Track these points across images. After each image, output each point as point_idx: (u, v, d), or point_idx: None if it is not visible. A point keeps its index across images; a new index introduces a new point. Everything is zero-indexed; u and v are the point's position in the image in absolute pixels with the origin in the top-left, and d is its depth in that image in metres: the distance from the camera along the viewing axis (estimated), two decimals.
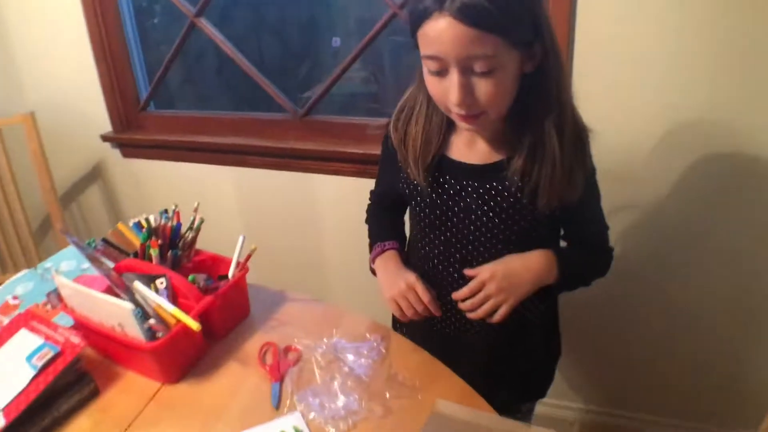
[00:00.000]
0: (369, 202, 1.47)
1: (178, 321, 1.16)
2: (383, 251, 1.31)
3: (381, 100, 2.50)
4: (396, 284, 1.22)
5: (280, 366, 1.19)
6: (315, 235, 2.20)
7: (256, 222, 2.30)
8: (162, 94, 2.43)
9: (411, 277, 1.21)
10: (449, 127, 1.19)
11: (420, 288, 1.20)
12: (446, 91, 1.03)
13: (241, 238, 1.33)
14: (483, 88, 1.01)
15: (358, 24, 2.48)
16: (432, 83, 1.05)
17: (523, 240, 1.18)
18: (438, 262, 1.26)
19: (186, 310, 1.18)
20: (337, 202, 2.09)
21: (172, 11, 2.23)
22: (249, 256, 1.33)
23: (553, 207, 1.12)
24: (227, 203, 2.30)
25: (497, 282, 1.15)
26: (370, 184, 1.89)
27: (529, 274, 1.17)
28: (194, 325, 1.14)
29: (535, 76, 1.05)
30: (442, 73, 1.01)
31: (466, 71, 0.99)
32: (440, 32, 0.96)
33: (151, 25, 2.54)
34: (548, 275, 1.19)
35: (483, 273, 1.16)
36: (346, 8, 2.50)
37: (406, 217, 1.41)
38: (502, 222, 1.17)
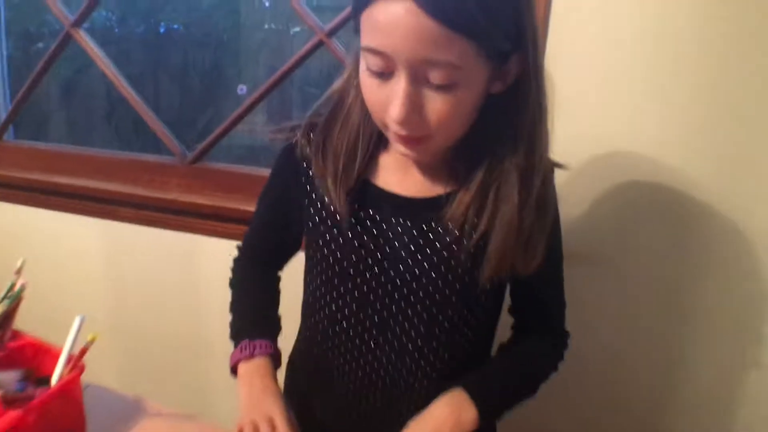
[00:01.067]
0: (236, 255, 1.12)
1: None
2: (251, 356, 0.97)
3: None
4: (253, 410, 0.91)
5: None
6: (197, 316, 1.78)
7: (121, 293, 1.86)
8: (29, 124, 2.10)
9: (275, 410, 0.90)
10: (378, 143, 0.92)
11: (281, 428, 0.88)
12: (386, 99, 0.78)
13: (77, 321, 0.92)
14: (436, 105, 0.77)
15: (268, 71, 2.26)
16: (369, 86, 0.80)
17: (465, 304, 0.92)
18: (347, 326, 0.96)
19: None
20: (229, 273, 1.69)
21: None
22: (83, 352, 0.91)
23: (500, 275, 0.88)
24: (88, 265, 1.86)
25: None
26: None
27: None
28: None
29: (506, 99, 0.82)
30: (385, 75, 0.77)
31: (417, 79, 0.76)
32: (395, 19, 0.72)
33: (35, 50, 2.25)
34: (466, 420, 0.90)
35: None
36: (255, 54, 2.36)
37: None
38: (439, 276, 0.90)
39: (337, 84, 0.92)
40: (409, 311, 0.93)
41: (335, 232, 0.92)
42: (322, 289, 0.98)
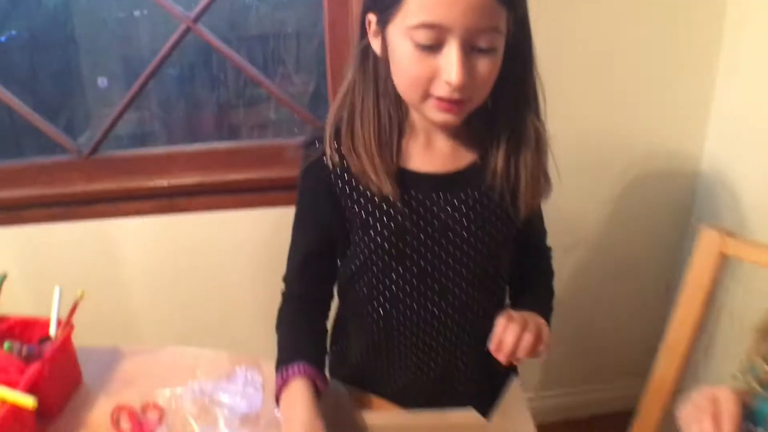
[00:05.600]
0: (282, 290, 1.14)
1: (3, 402, 0.91)
2: (286, 382, 0.97)
3: (158, 139, 2.36)
4: None
5: (143, 429, 0.99)
6: (122, 289, 1.92)
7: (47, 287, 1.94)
8: None
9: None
10: (400, 132, 1.02)
11: None
12: (435, 70, 0.88)
13: (57, 290, 1.11)
14: (482, 68, 0.88)
15: (120, 61, 2.32)
16: (416, 61, 0.88)
17: (500, 251, 1.07)
18: (411, 301, 1.06)
19: (9, 386, 0.94)
20: (144, 247, 1.86)
21: None
22: (75, 308, 1.11)
23: (531, 208, 1.04)
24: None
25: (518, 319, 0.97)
26: (178, 220, 1.76)
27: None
28: (29, 401, 0.91)
29: (511, 65, 0.94)
30: (434, 48, 0.86)
31: (467, 47, 0.86)
32: None
33: None
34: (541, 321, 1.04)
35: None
36: (108, 48, 2.30)
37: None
38: (486, 234, 1.03)
39: (346, 84, 1.00)
40: (463, 270, 1.04)
41: (386, 219, 1.00)
42: (373, 280, 1.06)
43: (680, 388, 1.10)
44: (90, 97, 2.32)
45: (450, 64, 0.86)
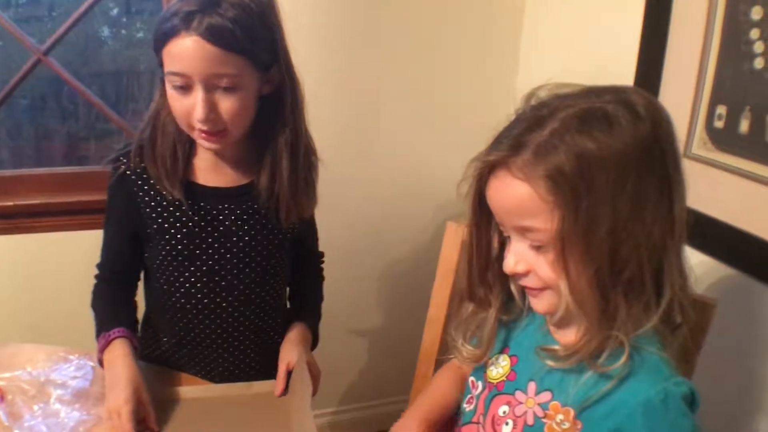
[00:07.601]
0: (96, 274, 1.31)
1: None
2: (108, 342, 1.16)
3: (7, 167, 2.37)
4: (108, 400, 1.09)
5: None
6: None
7: None
8: None
9: (120, 398, 1.06)
10: (191, 151, 1.20)
11: (124, 418, 1.05)
12: (190, 107, 1.06)
13: None
14: (226, 104, 1.06)
15: None
16: (175, 100, 1.07)
17: (275, 253, 1.26)
18: (202, 296, 1.23)
19: None
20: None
21: None
22: None
23: (293, 221, 1.23)
24: None
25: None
26: (25, 241, 1.83)
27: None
28: None
29: (272, 99, 1.14)
30: (186, 89, 1.05)
31: (210, 88, 1.05)
32: (186, 50, 1.01)
33: None
34: (309, 338, 1.32)
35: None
36: None
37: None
38: (263, 238, 1.23)
39: (152, 107, 1.17)
40: (247, 269, 1.22)
41: (179, 224, 1.17)
42: (171, 278, 1.22)
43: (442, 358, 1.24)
44: None
45: (195, 103, 1.05)
